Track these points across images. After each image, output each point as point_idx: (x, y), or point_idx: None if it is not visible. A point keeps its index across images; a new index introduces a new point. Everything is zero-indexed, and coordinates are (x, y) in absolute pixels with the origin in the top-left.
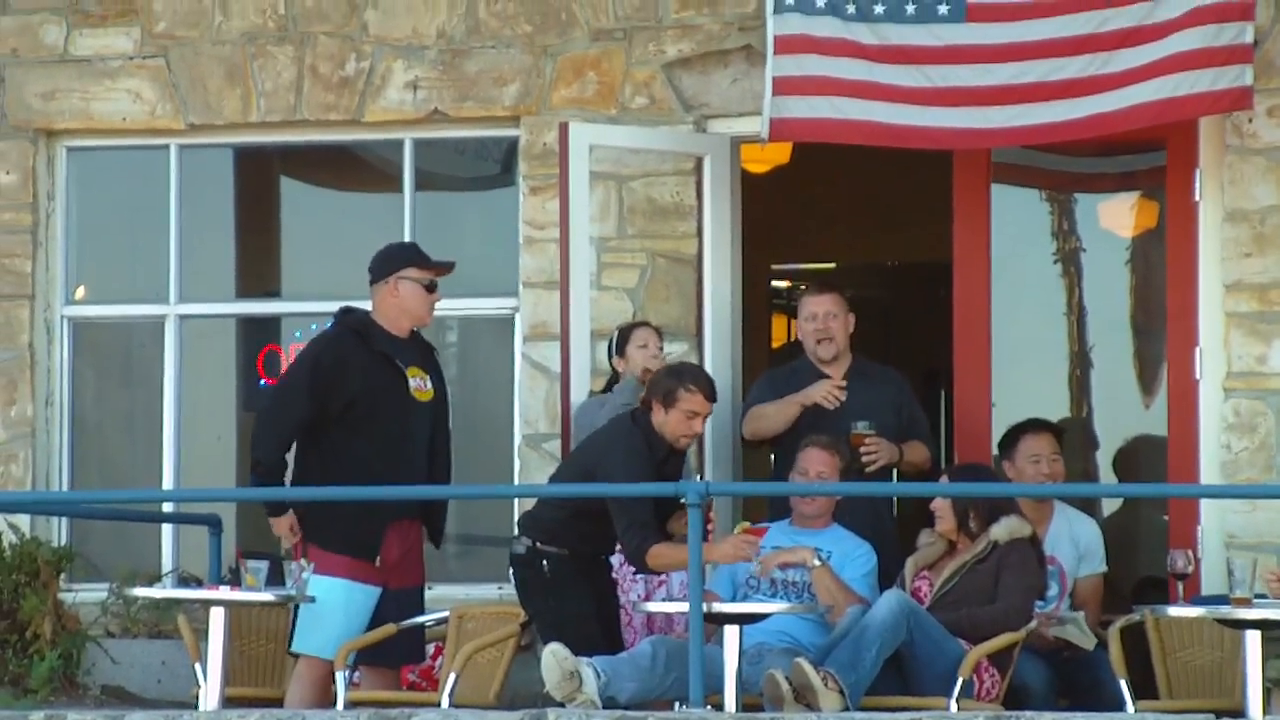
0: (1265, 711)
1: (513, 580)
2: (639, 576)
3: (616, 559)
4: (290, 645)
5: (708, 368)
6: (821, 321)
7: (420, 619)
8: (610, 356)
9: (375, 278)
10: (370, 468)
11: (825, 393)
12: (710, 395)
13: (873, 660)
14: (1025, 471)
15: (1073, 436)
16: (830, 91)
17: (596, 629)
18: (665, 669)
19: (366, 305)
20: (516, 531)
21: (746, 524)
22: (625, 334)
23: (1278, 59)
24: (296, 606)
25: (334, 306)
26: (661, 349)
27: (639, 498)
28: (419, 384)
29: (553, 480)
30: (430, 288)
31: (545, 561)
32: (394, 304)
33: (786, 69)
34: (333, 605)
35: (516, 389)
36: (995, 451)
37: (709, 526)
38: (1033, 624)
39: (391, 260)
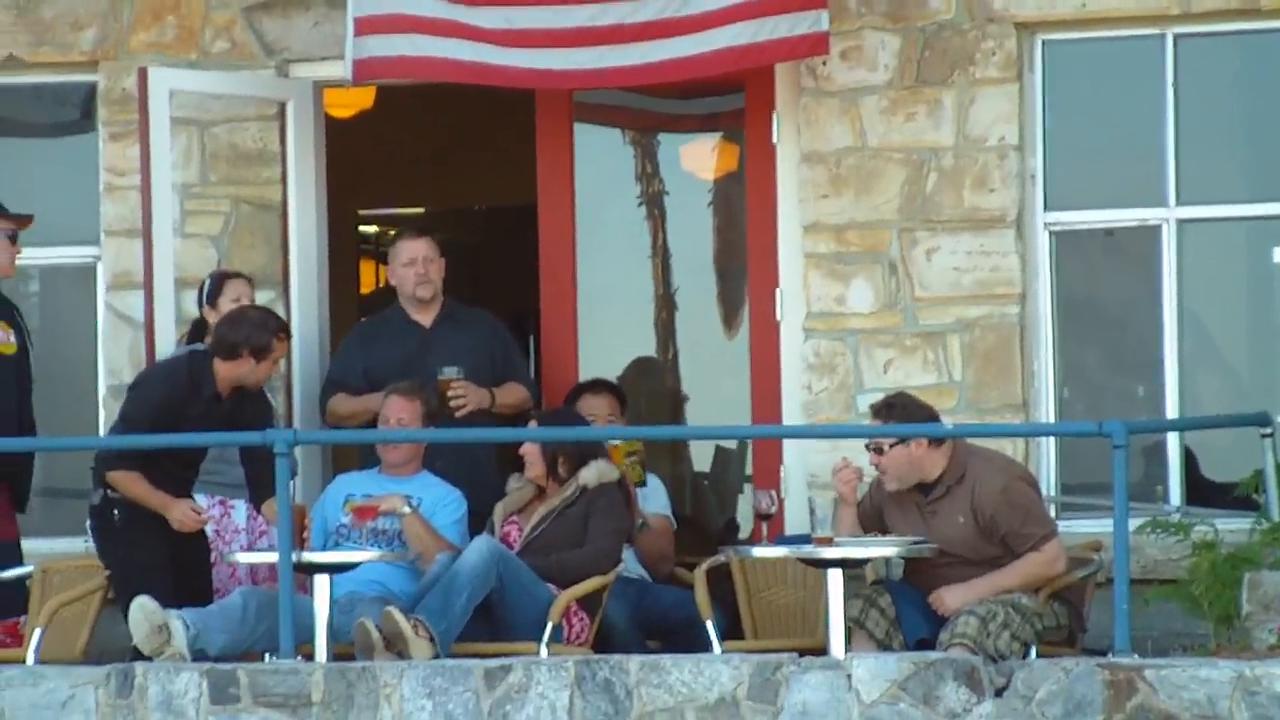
0: (847, 649)
1: (89, 532)
2: (240, 529)
3: (217, 511)
4: None
5: (294, 315)
6: (421, 266)
7: (3, 574)
8: (200, 305)
9: None
10: None
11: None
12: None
13: (463, 607)
14: None
15: (658, 379)
16: (410, 29)
17: (169, 580)
18: (256, 619)
19: None
20: (92, 482)
21: (356, 501)
22: (219, 284)
23: (850, 2)
24: None
25: None
26: (254, 300)
27: (140, 414)
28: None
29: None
30: (11, 239)
31: (116, 510)
32: None
33: (366, 8)
34: None
35: (100, 339)
36: None
37: (304, 534)
38: (621, 567)
39: None
